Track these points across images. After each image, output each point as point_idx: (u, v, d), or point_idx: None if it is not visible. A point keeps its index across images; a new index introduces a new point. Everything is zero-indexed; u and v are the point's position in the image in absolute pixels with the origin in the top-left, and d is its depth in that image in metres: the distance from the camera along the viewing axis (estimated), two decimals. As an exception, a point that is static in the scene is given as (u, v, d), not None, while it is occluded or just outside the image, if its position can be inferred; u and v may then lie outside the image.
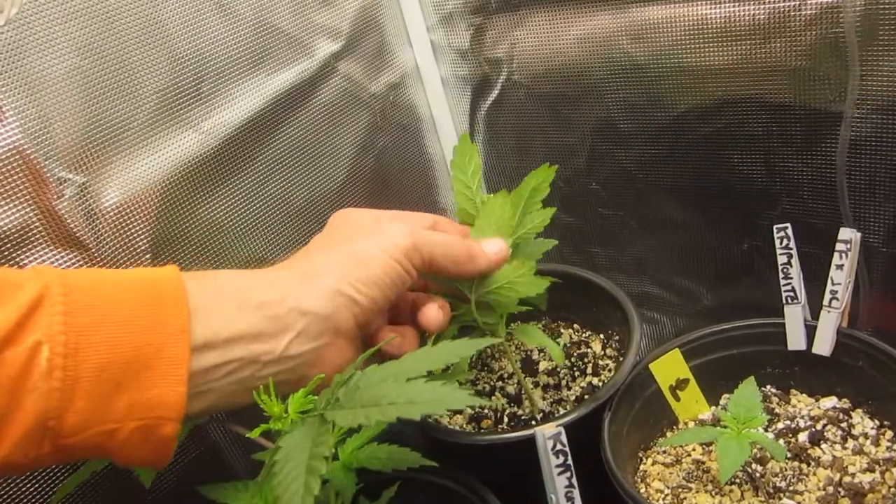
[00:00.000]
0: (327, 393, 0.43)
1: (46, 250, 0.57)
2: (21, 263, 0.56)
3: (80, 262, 0.59)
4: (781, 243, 0.65)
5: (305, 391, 0.45)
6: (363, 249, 0.52)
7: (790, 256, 0.65)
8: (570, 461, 0.49)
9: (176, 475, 0.69)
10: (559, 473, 0.49)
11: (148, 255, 0.64)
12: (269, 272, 0.51)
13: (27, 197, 0.55)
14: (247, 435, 0.46)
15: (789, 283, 0.66)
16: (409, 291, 0.61)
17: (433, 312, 0.57)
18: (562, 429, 0.49)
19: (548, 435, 0.49)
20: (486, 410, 0.76)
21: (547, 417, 0.73)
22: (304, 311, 0.48)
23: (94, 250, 0.60)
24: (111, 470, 0.58)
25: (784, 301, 0.67)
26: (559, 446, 0.49)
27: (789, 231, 0.65)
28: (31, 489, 0.59)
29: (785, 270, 0.66)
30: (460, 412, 0.76)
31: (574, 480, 0.49)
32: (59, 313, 0.40)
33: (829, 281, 0.64)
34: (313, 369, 0.50)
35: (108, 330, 0.40)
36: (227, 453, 0.73)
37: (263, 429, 0.44)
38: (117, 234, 0.62)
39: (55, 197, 0.57)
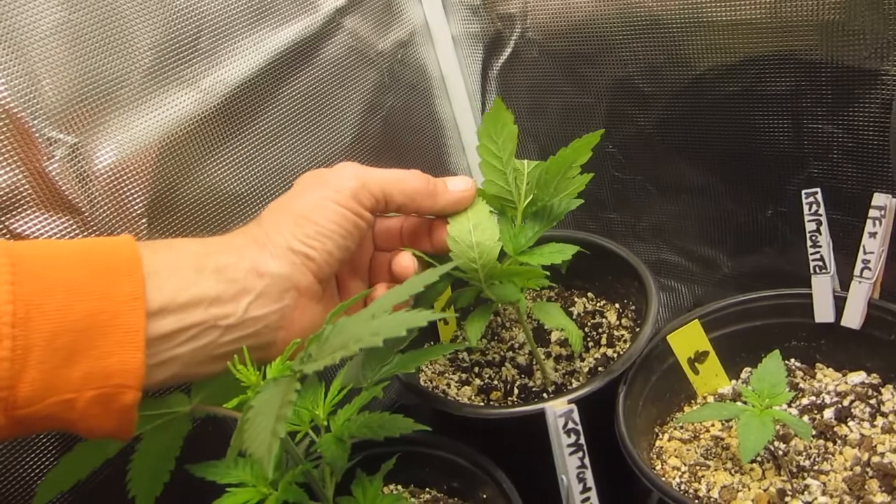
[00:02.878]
0: (301, 353, 0.42)
1: (37, 214, 0.55)
2: (11, 228, 0.54)
3: (74, 227, 0.57)
4: (810, 209, 0.62)
5: (283, 357, 0.44)
6: (309, 203, 0.50)
7: (819, 223, 0.62)
8: (582, 440, 0.47)
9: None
10: (571, 453, 0.47)
11: (144, 220, 0.62)
12: (223, 238, 0.50)
13: (15, 158, 0.53)
14: (223, 406, 0.44)
15: (818, 252, 0.62)
16: (391, 251, 0.59)
17: (407, 260, 0.55)
18: (574, 406, 0.47)
19: (559, 412, 0.46)
20: (495, 382, 0.73)
21: (559, 389, 0.70)
22: (262, 272, 0.48)
23: (87, 214, 0.58)
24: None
25: (812, 270, 0.63)
26: (571, 424, 0.46)
27: (819, 196, 0.62)
28: (29, 459, 0.58)
29: (813, 238, 0.62)
30: (468, 384, 0.74)
31: (586, 461, 0.47)
32: (6, 283, 0.38)
33: (861, 249, 0.60)
34: (280, 332, 0.49)
35: (60, 298, 0.40)
36: (231, 421, 0.71)
37: (242, 398, 0.43)
38: (112, 198, 0.60)
39: (45, 158, 0.55)
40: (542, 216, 0.61)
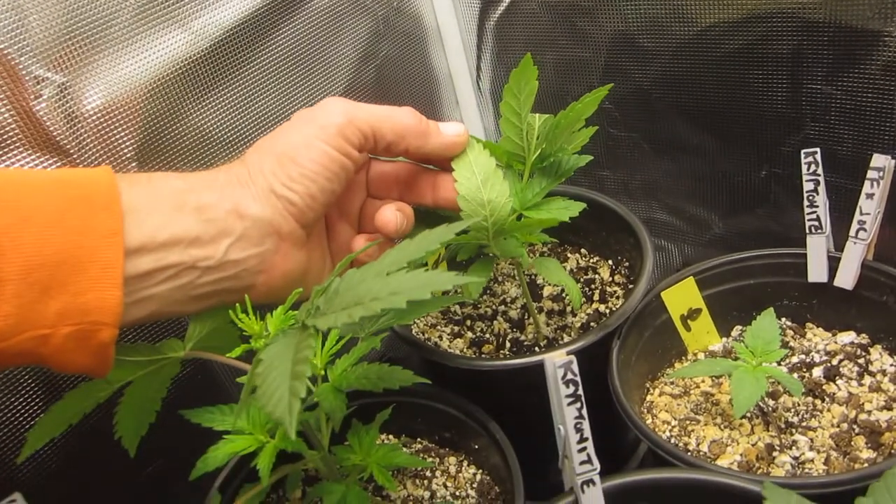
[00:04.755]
0: (307, 305, 0.41)
1: (24, 154, 0.54)
2: (-3, 168, 0.52)
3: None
4: (809, 169, 0.62)
5: (285, 307, 0.42)
6: (293, 142, 0.48)
7: (817, 183, 0.62)
8: (580, 391, 0.47)
9: (169, 394, 0.67)
10: (569, 404, 0.47)
11: (134, 164, 0.61)
12: (206, 174, 0.48)
13: (1, 97, 0.52)
14: (226, 356, 0.43)
15: (814, 212, 0.62)
16: (384, 199, 0.57)
17: (389, 214, 0.53)
18: (573, 357, 0.47)
19: (558, 363, 0.46)
20: (487, 335, 0.73)
21: (550, 344, 0.70)
22: (242, 214, 0.46)
23: (75, 156, 0.56)
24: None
25: (807, 230, 0.63)
26: (570, 375, 0.47)
27: (818, 156, 0.62)
28: (33, 384, 0.58)
29: (811, 198, 0.62)
30: (461, 336, 0.74)
31: (584, 411, 0.47)
32: None
33: (858, 210, 0.60)
34: (260, 276, 0.48)
35: (35, 231, 0.38)
36: (220, 372, 0.71)
37: (244, 349, 0.42)
38: (100, 140, 0.58)
39: (32, 97, 0.54)
40: (550, 172, 0.60)
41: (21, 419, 0.57)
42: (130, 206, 0.42)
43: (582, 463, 0.48)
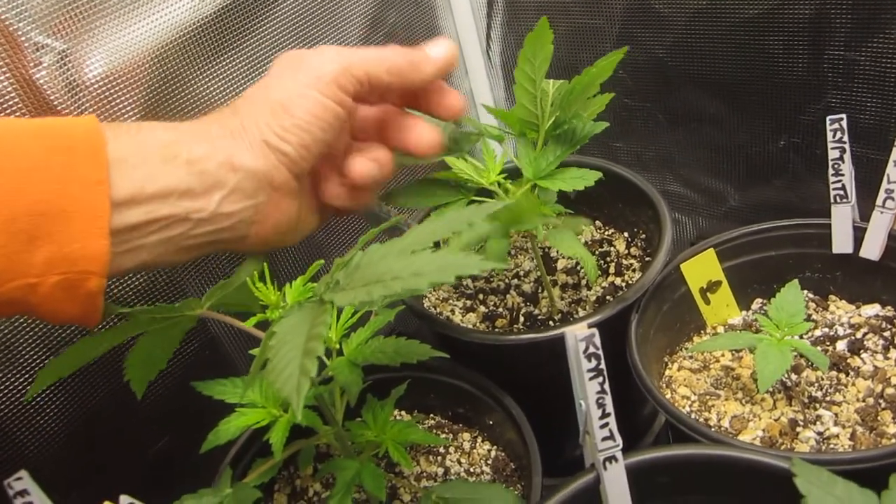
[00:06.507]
0: (326, 278, 0.39)
1: (24, 124, 0.52)
2: (-3, 138, 0.51)
3: (63, 139, 0.54)
4: (834, 136, 0.60)
5: (304, 278, 0.41)
6: (287, 91, 0.47)
7: (843, 151, 0.60)
8: (602, 365, 0.45)
9: (175, 371, 0.66)
10: (591, 378, 0.45)
11: (137, 133, 0.59)
12: (196, 125, 0.47)
13: (0, 65, 0.50)
14: (241, 325, 0.42)
15: (839, 181, 0.60)
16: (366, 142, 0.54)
17: (359, 165, 0.50)
18: (595, 330, 0.45)
19: (580, 337, 0.45)
20: (500, 309, 0.72)
21: (565, 318, 0.69)
22: (235, 166, 0.45)
23: (77, 125, 0.54)
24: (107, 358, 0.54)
25: (832, 200, 0.61)
26: (592, 349, 0.45)
27: (844, 123, 0.60)
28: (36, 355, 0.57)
29: (836, 166, 0.60)
30: (473, 310, 0.72)
31: (606, 386, 0.45)
32: None
33: (886, 179, 0.58)
34: (254, 227, 0.47)
35: (15, 179, 0.38)
36: (228, 348, 0.70)
37: (260, 318, 0.41)
38: (102, 108, 0.57)
39: (32, 65, 0.53)
40: (565, 139, 0.58)
41: (23, 395, 0.56)
42: (117, 156, 0.41)
43: (604, 439, 0.46)
